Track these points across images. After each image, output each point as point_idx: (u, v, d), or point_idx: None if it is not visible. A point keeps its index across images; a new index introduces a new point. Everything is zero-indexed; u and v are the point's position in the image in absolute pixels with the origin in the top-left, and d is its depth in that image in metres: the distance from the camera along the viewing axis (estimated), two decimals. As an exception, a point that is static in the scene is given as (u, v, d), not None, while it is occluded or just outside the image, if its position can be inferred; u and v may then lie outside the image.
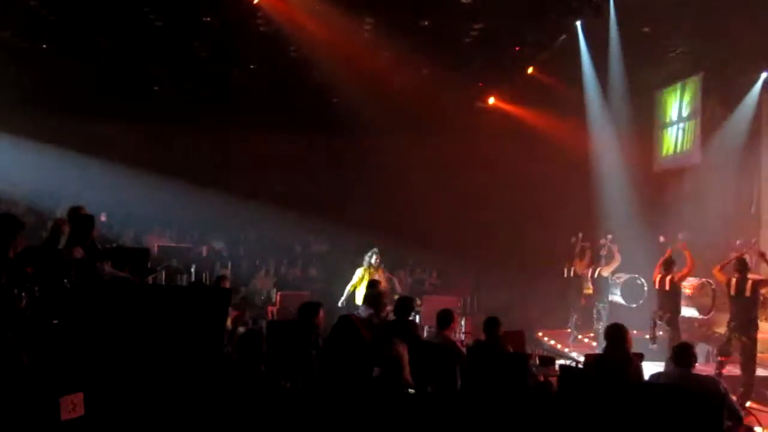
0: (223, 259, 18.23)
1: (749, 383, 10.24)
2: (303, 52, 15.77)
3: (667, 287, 12.06)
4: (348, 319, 7.18)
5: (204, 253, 18.10)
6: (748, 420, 7.12)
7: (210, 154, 21.11)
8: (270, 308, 14.83)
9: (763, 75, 16.84)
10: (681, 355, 6.15)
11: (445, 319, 7.70)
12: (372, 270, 13.01)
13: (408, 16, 15.08)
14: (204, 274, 15.07)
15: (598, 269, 14.73)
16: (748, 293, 10.53)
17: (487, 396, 5.89)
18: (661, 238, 14.19)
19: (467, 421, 5.21)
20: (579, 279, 15.66)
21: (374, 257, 13.15)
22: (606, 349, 6.74)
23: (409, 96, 17.49)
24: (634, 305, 15.13)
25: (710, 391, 5.72)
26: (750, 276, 10.96)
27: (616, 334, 6.66)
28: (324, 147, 21.72)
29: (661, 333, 12.20)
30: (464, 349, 7.75)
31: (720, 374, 10.09)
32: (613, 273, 14.88)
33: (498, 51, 16.54)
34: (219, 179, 19.58)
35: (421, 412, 4.95)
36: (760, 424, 7.21)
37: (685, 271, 12.25)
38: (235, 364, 4.83)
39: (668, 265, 12.30)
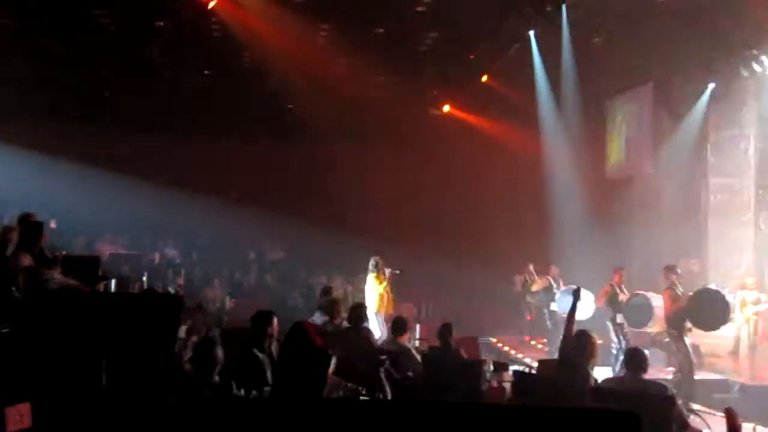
0: (176, 267, 18.01)
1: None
2: (258, 57, 15.69)
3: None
4: (299, 326, 7.14)
5: (156, 260, 17.86)
6: (696, 423, 7.26)
7: (163, 160, 20.85)
8: (223, 316, 14.70)
9: (711, 86, 17.22)
10: (633, 361, 6.25)
11: (399, 326, 7.71)
12: (381, 276, 13.34)
13: (363, 24, 15.12)
14: (156, 282, 14.86)
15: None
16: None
17: (441, 401, 5.89)
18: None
19: (420, 426, 5.21)
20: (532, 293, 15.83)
21: (378, 263, 13.46)
22: (571, 352, 6.76)
23: (364, 103, 17.52)
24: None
25: (660, 395, 5.82)
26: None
27: (586, 341, 6.64)
28: (279, 153, 21.58)
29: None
30: (418, 356, 7.77)
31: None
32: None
33: (452, 59, 16.67)
34: (172, 185, 19.33)
35: (371, 418, 4.94)
36: (708, 427, 7.33)
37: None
38: (187, 373, 4.77)
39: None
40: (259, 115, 19.70)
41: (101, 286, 8.51)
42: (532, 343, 15.52)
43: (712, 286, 11.88)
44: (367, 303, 12.84)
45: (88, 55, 16.78)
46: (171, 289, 13.31)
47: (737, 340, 14.26)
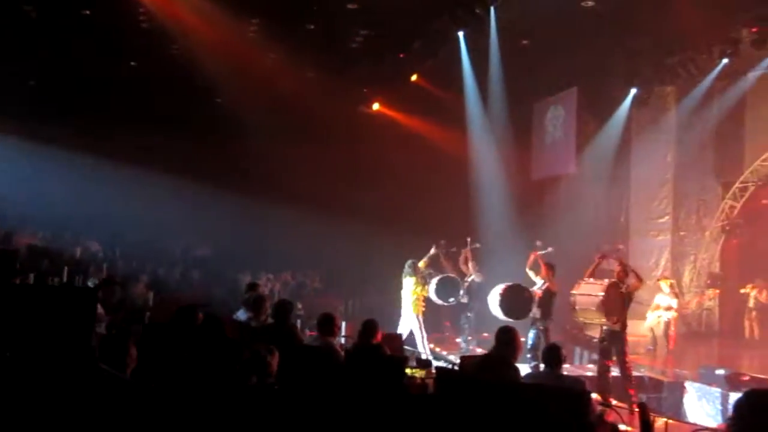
0: (99, 262, 17.59)
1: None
2: (186, 50, 15.44)
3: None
4: (214, 318, 7.09)
5: (78, 255, 17.42)
6: (612, 417, 7.45)
7: (89, 150, 20.29)
8: (146, 312, 14.41)
9: (633, 91, 17.71)
10: (550, 357, 6.39)
11: (326, 322, 7.70)
12: (417, 278, 13.54)
13: (294, 20, 15.05)
14: (77, 277, 14.50)
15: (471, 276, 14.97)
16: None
17: (363, 399, 5.91)
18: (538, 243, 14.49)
19: (342, 423, 5.23)
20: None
21: (414, 266, 13.64)
22: (495, 349, 6.86)
23: (293, 99, 17.43)
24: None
25: (576, 390, 5.95)
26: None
27: (509, 337, 6.72)
28: (207, 148, 21.27)
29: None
30: (342, 353, 7.77)
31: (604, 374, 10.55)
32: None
33: (382, 58, 16.73)
34: (96, 178, 18.89)
35: (290, 414, 4.95)
36: (624, 422, 7.53)
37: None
38: (101, 369, 4.67)
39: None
40: (187, 108, 19.39)
41: (18, 280, 8.27)
42: (457, 340, 15.65)
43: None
44: (405, 305, 13.39)
45: (11, 44, 16.25)
46: (90, 284, 13.01)
47: (653, 339, 14.80)
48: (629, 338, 11.82)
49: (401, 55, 16.67)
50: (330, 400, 5.49)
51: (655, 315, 14.74)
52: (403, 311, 13.59)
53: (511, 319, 11.70)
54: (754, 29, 14.43)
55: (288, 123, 19.23)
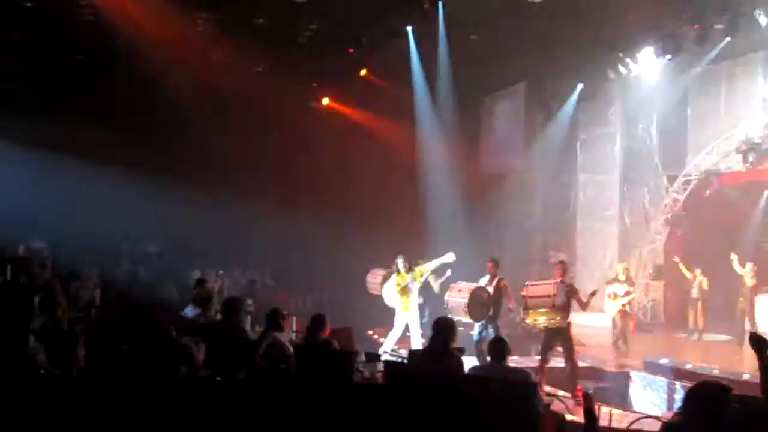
0: (43, 259, 17.24)
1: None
2: (132, 43, 15.18)
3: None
4: (150, 313, 7.01)
5: (21, 253, 17.05)
6: (558, 408, 7.57)
7: (31, 146, 19.84)
8: (93, 310, 14.19)
9: (580, 85, 17.97)
10: (496, 350, 6.46)
11: (272, 317, 7.66)
12: (403, 274, 12.98)
13: (242, 13, 14.93)
14: (22, 275, 14.19)
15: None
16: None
17: (312, 392, 5.90)
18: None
19: (291, 417, 5.23)
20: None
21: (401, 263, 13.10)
22: (431, 341, 6.92)
23: (242, 93, 17.27)
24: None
25: (523, 382, 6.03)
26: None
27: (443, 327, 6.81)
28: (153, 142, 20.93)
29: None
30: (291, 348, 7.74)
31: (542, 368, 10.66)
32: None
33: (332, 52, 16.68)
34: (40, 173, 18.47)
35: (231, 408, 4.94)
36: (569, 411, 7.65)
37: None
38: (40, 367, 4.58)
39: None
40: (133, 102, 19.07)
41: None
42: (407, 334, 15.67)
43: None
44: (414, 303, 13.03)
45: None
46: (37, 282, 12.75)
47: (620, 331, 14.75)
48: (581, 330, 12.04)
49: (350, 50, 16.64)
50: (276, 393, 5.49)
51: (618, 303, 14.51)
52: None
53: (474, 321, 11.76)
54: (695, 26, 14.72)
55: (237, 117, 19.06)
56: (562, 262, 11.61)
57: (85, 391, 4.65)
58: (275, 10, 14.70)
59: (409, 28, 15.57)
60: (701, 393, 4.13)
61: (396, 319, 13.15)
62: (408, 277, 12.95)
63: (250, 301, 14.63)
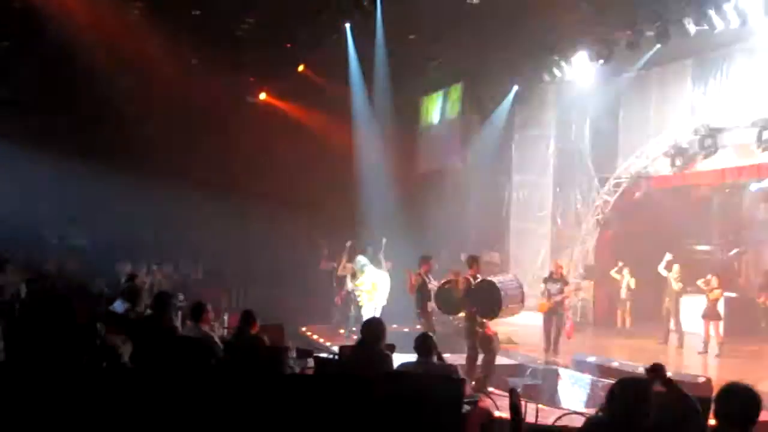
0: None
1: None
2: (64, 30, 14.81)
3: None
4: (64, 299, 6.89)
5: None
6: (487, 404, 7.65)
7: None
8: (16, 305, 13.79)
9: (515, 88, 18.22)
10: (422, 346, 6.51)
11: (197, 310, 7.61)
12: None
13: (179, 4, 14.72)
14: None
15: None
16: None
17: (241, 387, 5.88)
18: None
19: (215, 411, 5.20)
20: (343, 278, 16.04)
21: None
22: (360, 341, 6.95)
23: (178, 85, 17.02)
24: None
25: (449, 377, 6.10)
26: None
27: (371, 327, 6.86)
28: (86, 134, 20.45)
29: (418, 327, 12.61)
30: (221, 344, 7.68)
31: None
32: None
33: (269, 47, 16.57)
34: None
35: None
36: (498, 408, 7.74)
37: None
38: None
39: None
40: (64, 92, 18.62)
41: None
42: (341, 331, 15.73)
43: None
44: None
45: None
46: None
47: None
48: (511, 329, 12.18)
49: (288, 45, 16.55)
50: (204, 387, 5.46)
51: (552, 302, 14.52)
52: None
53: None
54: (628, 32, 15.04)
55: (172, 110, 18.76)
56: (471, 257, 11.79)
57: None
58: (212, 2, 14.53)
59: (348, 25, 15.55)
60: (622, 389, 4.23)
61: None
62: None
63: (181, 297, 14.45)
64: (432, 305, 12.18)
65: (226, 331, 12.14)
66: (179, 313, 12.52)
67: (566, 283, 14.96)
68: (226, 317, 13.74)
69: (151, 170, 19.36)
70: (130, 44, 15.28)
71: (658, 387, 4.56)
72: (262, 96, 19.71)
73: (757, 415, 4.04)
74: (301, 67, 17.49)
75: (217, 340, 7.83)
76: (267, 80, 19.03)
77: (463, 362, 10.82)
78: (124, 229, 17.25)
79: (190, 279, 18.78)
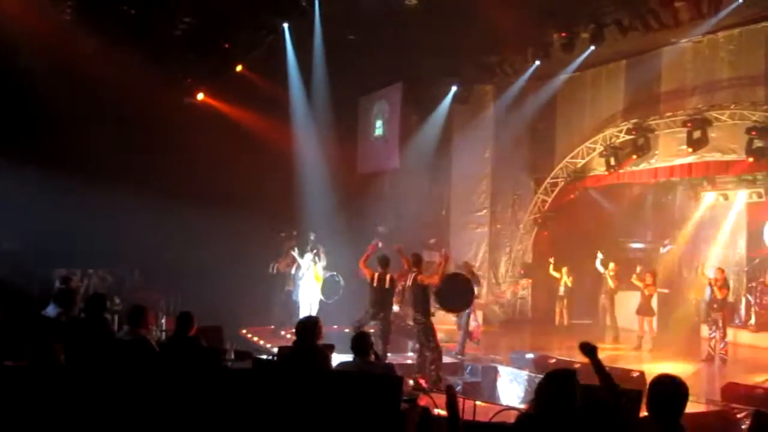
0: None
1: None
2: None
3: (387, 285, 11.67)
4: None
5: None
6: (426, 402, 7.70)
7: None
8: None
9: (453, 88, 18.38)
10: (358, 345, 6.53)
11: (135, 314, 7.49)
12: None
13: (114, 3, 14.46)
14: None
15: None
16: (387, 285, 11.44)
17: (178, 389, 5.82)
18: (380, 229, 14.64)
19: (148, 413, 5.15)
20: (282, 276, 15.99)
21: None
22: (296, 342, 6.93)
23: (113, 86, 16.67)
24: (331, 301, 15.64)
25: (387, 376, 6.12)
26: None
27: (306, 327, 6.86)
28: (16, 133, 19.86)
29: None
30: (156, 347, 7.59)
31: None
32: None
33: (207, 47, 16.37)
34: None
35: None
36: (437, 406, 7.79)
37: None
38: None
39: (385, 264, 11.84)
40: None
41: None
42: (282, 333, 15.64)
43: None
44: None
45: None
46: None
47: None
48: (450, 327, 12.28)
49: (226, 45, 16.37)
50: (140, 389, 5.41)
51: None
52: None
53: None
54: (563, 34, 15.31)
55: (108, 111, 18.36)
56: (414, 254, 11.88)
57: None
58: (148, 1, 14.31)
59: (286, 26, 15.46)
60: (549, 382, 4.32)
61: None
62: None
63: (117, 300, 14.23)
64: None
65: (164, 334, 12.01)
66: (116, 316, 12.38)
67: (478, 283, 15.20)
68: (164, 320, 13.60)
69: (87, 172, 18.92)
70: (62, 45, 14.94)
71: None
72: (200, 96, 19.42)
73: (684, 404, 4.17)
74: (239, 68, 17.30)
75: (152, 342, 7.73)
76: (205, 80, 18.77)
77: (404, 361, 10.93)
78: (58, 232, 16.79)
79: (127, 282, 18.44)
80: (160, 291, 16.29)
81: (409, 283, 11.66)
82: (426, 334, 11.24)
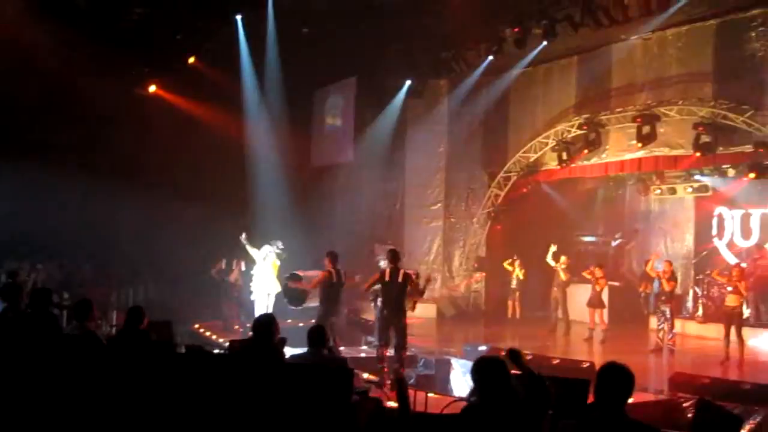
0: None
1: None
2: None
3: (400, 279, 11.14)
4: None
5: None
6: (378, 394, 7.73)
7: None
8: None
9: (408, 82, 18.41)
10: (314, 337, 6.52)
11: (82, 308, 7.38)
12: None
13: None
14: None
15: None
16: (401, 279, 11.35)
17: (124, 384, 5.76)
18: None
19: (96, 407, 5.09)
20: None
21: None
22: (254, 339, 6.88)
23: (64, 76, 16.37)
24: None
25: (340, 368, 6.12)
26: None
27: (261, 323, 6.80)
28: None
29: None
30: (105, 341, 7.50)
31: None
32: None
33: (159, 38, 16.16)
34: None
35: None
36: (389, 398, 7.82)
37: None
38: None
39: (396, 258, 11.34)
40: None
41: None
42: (236, 327, 15.54)
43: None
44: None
45: None
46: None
47: None
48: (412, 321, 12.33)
49: (178, 37, 16.18)
50: (88, 383, 5.34)
51: None
52: None
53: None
54: (516, 29, 15.44)
55: (59, 102, 18.03)
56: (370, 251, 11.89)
57: None
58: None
59: (239, 18, 15.34)
60: (478, 369, 4.39)
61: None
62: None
63: (66, 295, 14.00)
64: None
65: (114, 328, 11.85)
66: (64, 311, 12.16)
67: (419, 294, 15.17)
68: (114, 315, 13.43)
69: (37, 164, 18.57)
70: (13, 34, 14.62)
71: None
72: (152, 88, 19.16)
73: (630, 392, 4.24)
74: (191, 59, 17.11)
75: (100, 337, 7.63)
76: (157, 72, 18.53)
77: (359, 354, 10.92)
78: (5, 225, 16.47)
79: (76, 277, 18.13)
80: (111, 286, 16.06)
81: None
82: (399, 325, 11.16)
